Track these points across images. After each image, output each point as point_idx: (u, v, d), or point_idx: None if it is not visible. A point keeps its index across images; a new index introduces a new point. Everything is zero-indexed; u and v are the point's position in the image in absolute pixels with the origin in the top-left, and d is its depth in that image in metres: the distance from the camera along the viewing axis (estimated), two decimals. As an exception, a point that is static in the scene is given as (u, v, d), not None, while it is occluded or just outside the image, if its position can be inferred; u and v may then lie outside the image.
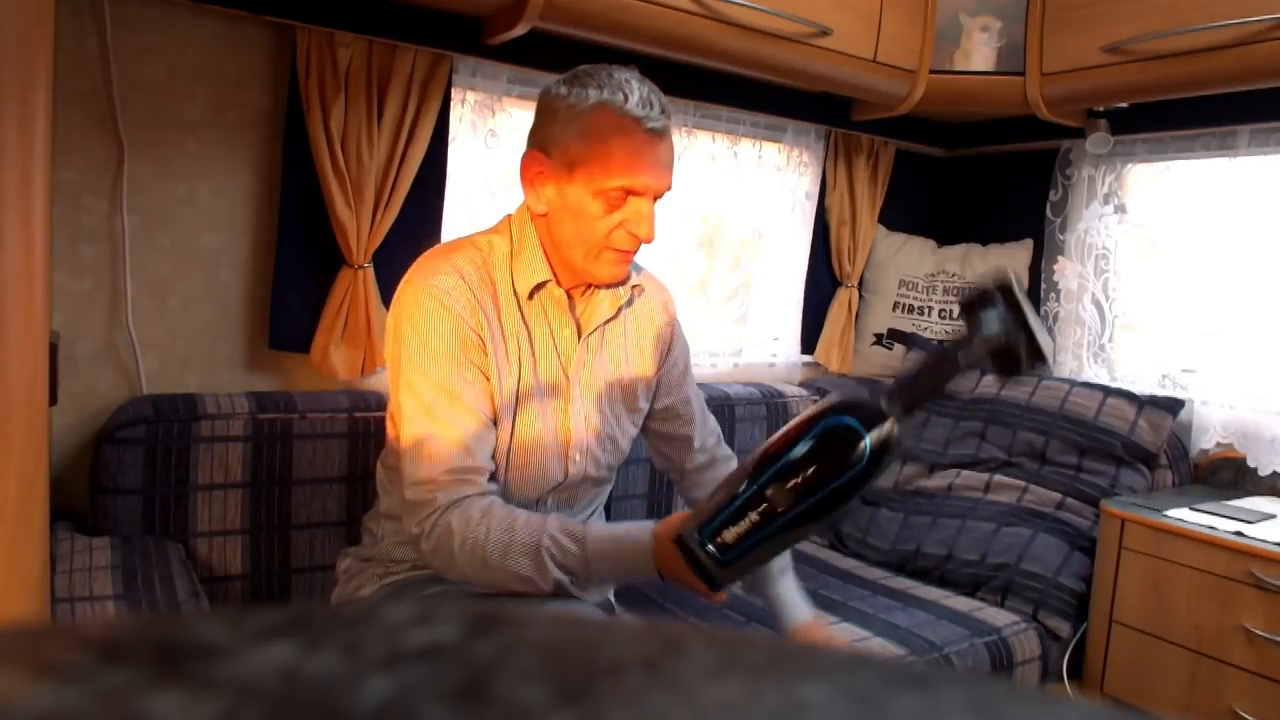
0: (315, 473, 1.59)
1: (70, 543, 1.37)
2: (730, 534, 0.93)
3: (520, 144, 1.91)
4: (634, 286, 1.29)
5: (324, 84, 1.60)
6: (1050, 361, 0.89)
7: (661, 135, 1.14)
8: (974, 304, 0.92)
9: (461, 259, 1.18)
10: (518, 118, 1.94)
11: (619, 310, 1.28)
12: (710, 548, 0.95)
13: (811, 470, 0.91)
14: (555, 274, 1.20)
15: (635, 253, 1.18)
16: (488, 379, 1.17)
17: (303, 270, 1.68)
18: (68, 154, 1.50)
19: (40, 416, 0.76)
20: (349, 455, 1.62)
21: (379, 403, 1.67)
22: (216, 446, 1.51)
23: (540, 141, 1.17)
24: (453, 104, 1.77)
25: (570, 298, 1.24)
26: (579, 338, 1.25)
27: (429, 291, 1.14)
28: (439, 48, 1.70)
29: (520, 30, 1.62)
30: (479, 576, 1.10)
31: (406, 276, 1.18)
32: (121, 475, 1.45)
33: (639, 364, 1.32)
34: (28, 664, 0.15)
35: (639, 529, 1.09)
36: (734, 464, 1.50)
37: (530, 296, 1.20)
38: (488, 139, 1.86)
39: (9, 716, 0.13)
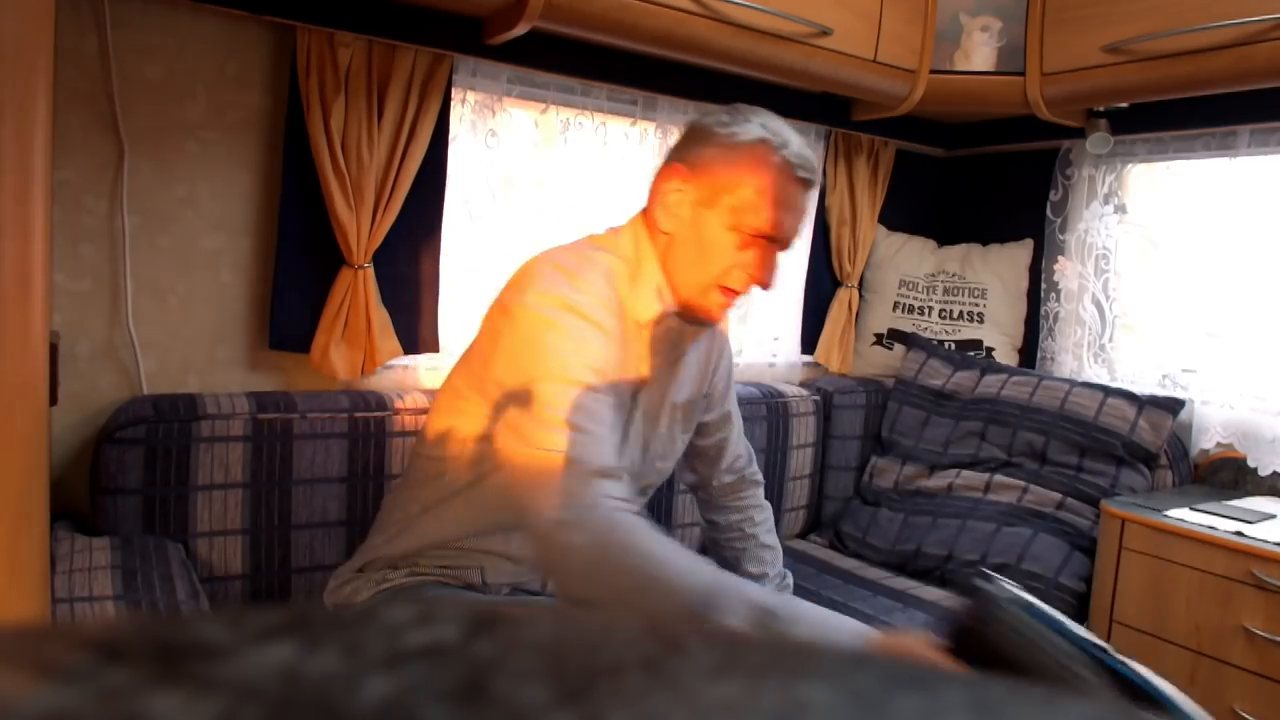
0: (315, 473, 1.59)
1: (70, 543, 1.36)
2: None
3: (520, 144, 1.94)
4: None
5: (324, 84, 1.60)
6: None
7: (809, 188, 1.13)
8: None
9: (598, 280, 1.12)
10: (518, 118, 1.94)
11: (698, 338, 1.27)
12: None
13: None
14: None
15: (742, 296, 1.16)
16: None
17: (303, 270, 1.68)
18: (68, 154, 1.50)
19: (40, 416, 0.76)
20: (349, 455, 1.62)
21: (379, 402, 1.67)
22: (216, 446, 1.51)
23: (687, 159, 1.14)
24: (453, 104, 1.77)
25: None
26: (661, 364, 1.22)
27: (583, 309, 1.08)
28: (439, 48, 1.70)
29: (520, 30, 1.62)
30: (611, 583, 0.94)
31: (537, 293, 1.09)
32: (121, 475, 1.45)
33: (700, 381, 1.32)
34: (28, 664, 0.15)
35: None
36: (760, 490, 1.50)
37: (645, 324, 1.17)
38: (488, 139, 1.86)
39: (9, 716, 0.13)
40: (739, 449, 1.46)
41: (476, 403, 1.16)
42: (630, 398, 1.20)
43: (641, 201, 1.23)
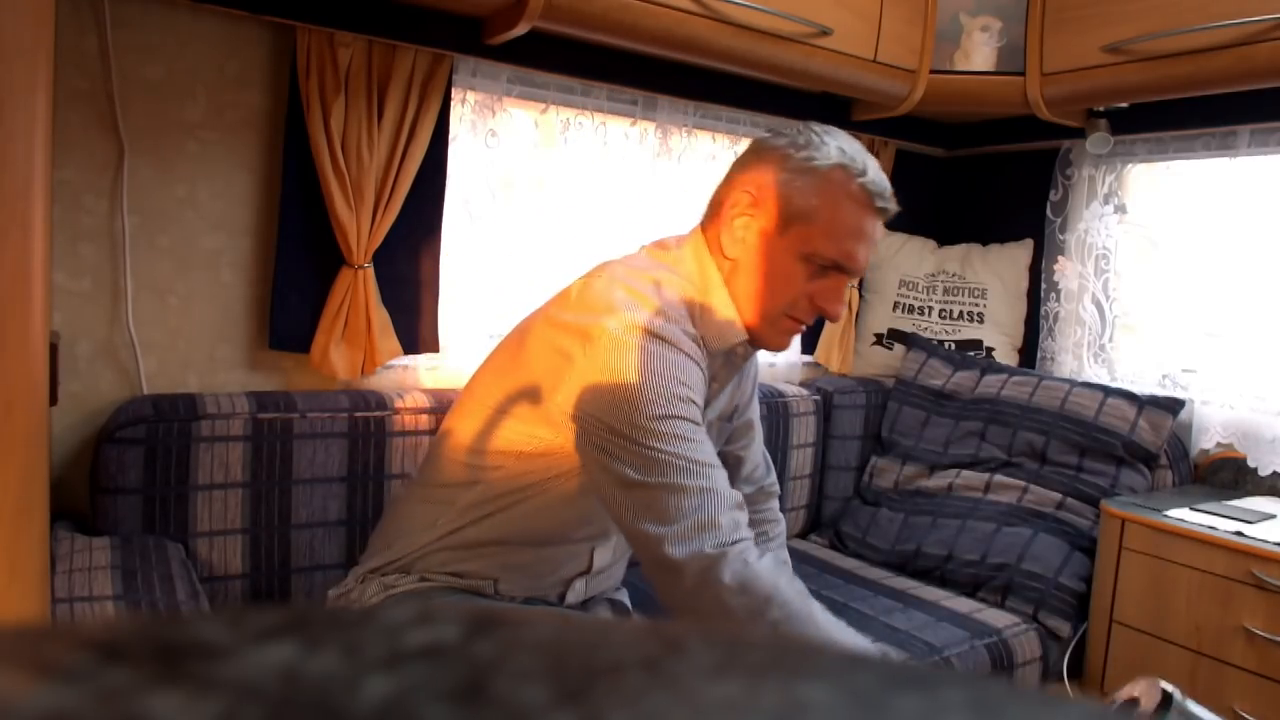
0: (315, 473, 1.59)
1: (70, 543, 1.37)
2: None
3: (520, 144, 1.94)
4: None
5: (324, 84, 1.60)
6: None
7: (884, 217, 1.09)
8: None
9: (677, 307, 1.09)
10: (518, 118, 1.94)
11: (749, 358, 1.25)
12: None
13: None
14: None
15: (807, 325, 1.13)
16: None
17: (303, 270, 1.68)
18: (68, 154, 1.50)
19: (40, 416, 0.76)
20: (349, 455, 1.62)
21: (379, 402, 1.67)
22: (216, 446, 1.51)
23: (757, 184, 1.09)
24: (453, 104, 1.77)
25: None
26: (718, 388, 1.21)
27: (674, 340, 1.04)
28: (439, 48, 1.70)
29: (520, 30, 1.62)
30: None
31: (620, 320, 1.04)
32: (121, 475, 1.45)
33: (733, 394, 1.30)
34: (28, 664, 0.15)
35: None
36: (776, 503, 1.48)
37: (716, 353, 1.14)
38: (488, 139, 1.86)
39: (9, 716, 0.13)
40: (758, 458, 1.44)
41: (522, 418, 1.12)
42: None
43: (699, 215, 1.18)
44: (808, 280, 1.08)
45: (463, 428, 1.20)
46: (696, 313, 1.11)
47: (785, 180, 1.07)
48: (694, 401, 1.03)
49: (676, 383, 1.02)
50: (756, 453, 1.43)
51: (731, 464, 1.40)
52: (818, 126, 1.11)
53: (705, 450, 1.01)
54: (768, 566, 0.95)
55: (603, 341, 1.03)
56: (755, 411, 1.42)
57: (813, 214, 1.06)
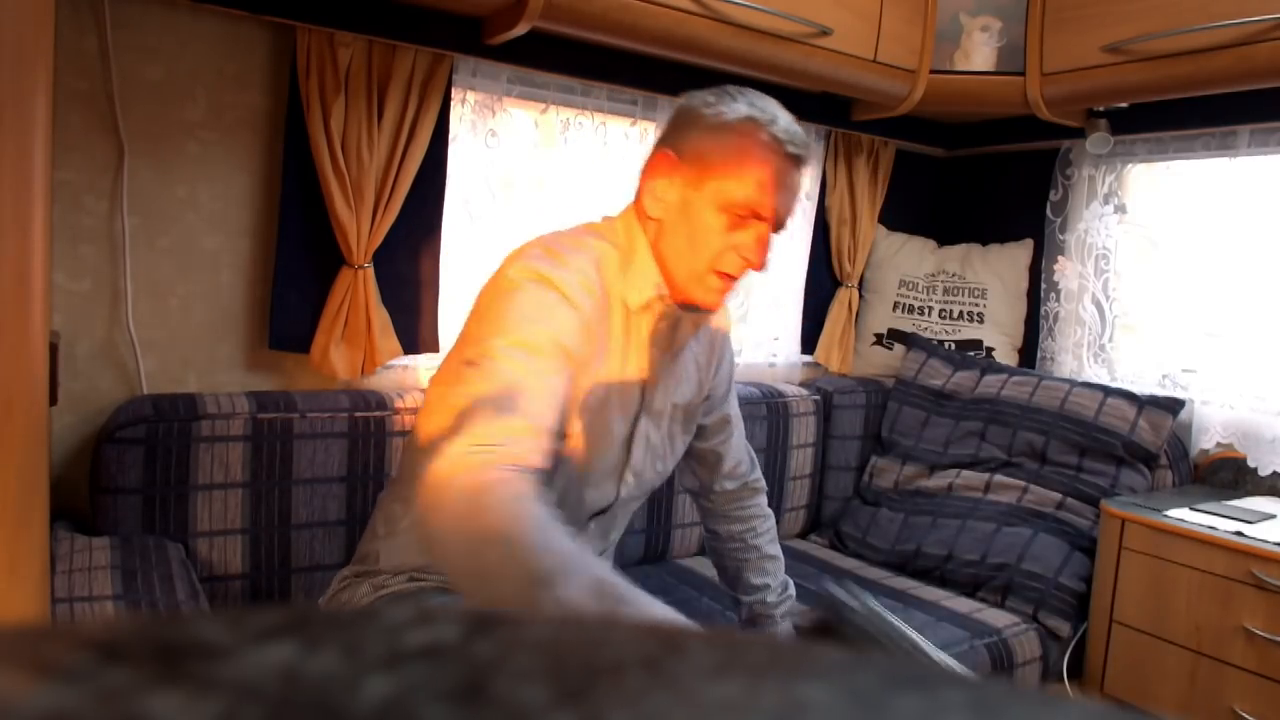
0: (315, 472, 1.59)
1: (70, 543, 1.37)
2: None
3: (520, 144, 1.94)
4: None
5: (324, 84, 1.60)
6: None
7: (799, 164, 1.11)
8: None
9: (584, 262, 1.09)
10: (518, 118, 1.94)
11: (699, 329, 1.25)
12: None
13: None
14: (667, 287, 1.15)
15: (738, 281, 1.14)
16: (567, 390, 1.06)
17: (303, 270, 1.68)
18: (68, 154, 1.50)
19: (40, 416, 0.76)
20: (349, 455, 1.62)
21: (379, 402, 1.67)
22: (216, 446, 1.51)
23: (674, 143, 1.13)
24: (453, 104, 1.77)
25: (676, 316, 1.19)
26: (668, 356, 1.20)
27: (557, 283, 1.04)
28: (439, 48, 1.70)
29: (520, 30, 1.62)
30: (468, 526, 0.82)
31: (518, 266, 1.06)
32: (121, 475, 1.45)
33: (700, 382, 1.30)
34: (28, 664, 0.15)
35: None
36: (763, 498, 1.47)
37: (639, 311, 1.15)
38: (488, 139, 1.86)
39: (9, 716, 0.13)
40: (740, 455, 1.44)
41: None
42: (638, 397, 1.18)
43: (632, 190, 1.21)
44: (728, 233, 1.10)
45: (418, 421, 1.22)
46: (614, 271, 1.13)
47: (699, 137, 1.10)
48: (556, 343, 1.01)
49: (541, 320, 1.01)
50: (738, 449, 1.43)
51: (711, 460, 1.41)
52: (731, 87, 1.15)
53: (539, 379, 0.97)
54: (517, 481, 0.86)
55: (500, 285, 1.06)
56: (732, 406, 1.41)
57: (726, 165, 1.09)
